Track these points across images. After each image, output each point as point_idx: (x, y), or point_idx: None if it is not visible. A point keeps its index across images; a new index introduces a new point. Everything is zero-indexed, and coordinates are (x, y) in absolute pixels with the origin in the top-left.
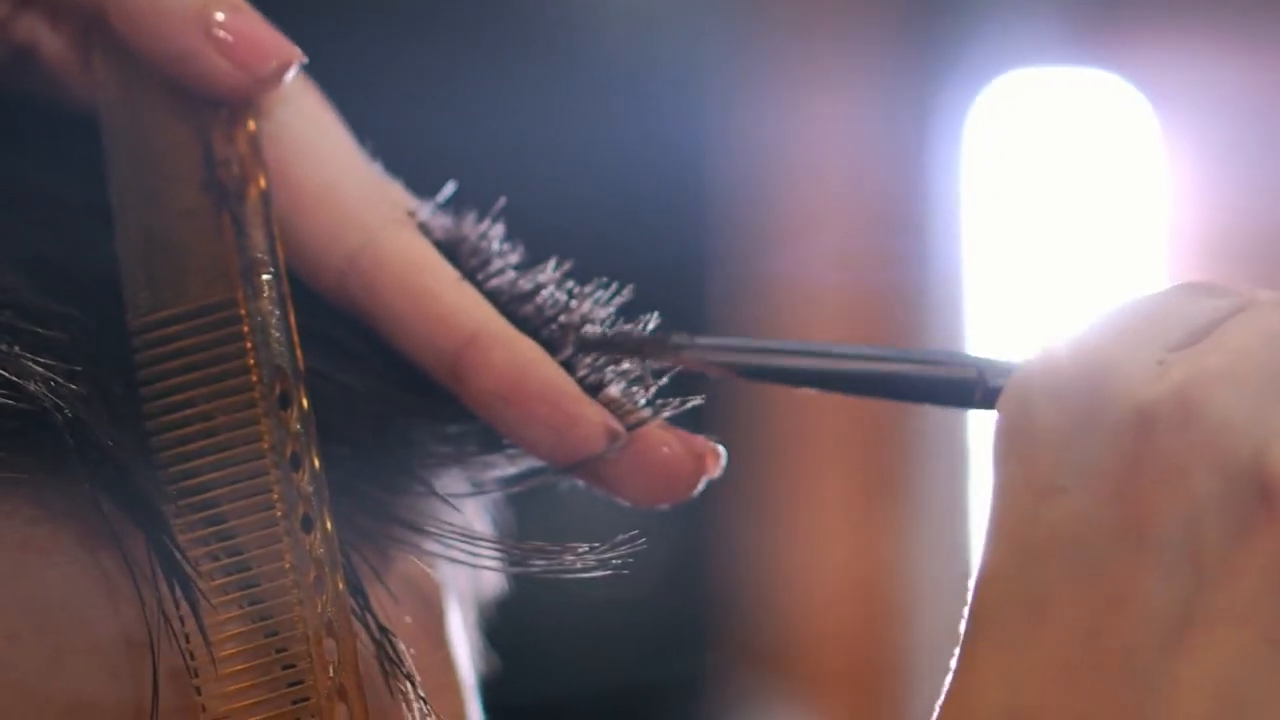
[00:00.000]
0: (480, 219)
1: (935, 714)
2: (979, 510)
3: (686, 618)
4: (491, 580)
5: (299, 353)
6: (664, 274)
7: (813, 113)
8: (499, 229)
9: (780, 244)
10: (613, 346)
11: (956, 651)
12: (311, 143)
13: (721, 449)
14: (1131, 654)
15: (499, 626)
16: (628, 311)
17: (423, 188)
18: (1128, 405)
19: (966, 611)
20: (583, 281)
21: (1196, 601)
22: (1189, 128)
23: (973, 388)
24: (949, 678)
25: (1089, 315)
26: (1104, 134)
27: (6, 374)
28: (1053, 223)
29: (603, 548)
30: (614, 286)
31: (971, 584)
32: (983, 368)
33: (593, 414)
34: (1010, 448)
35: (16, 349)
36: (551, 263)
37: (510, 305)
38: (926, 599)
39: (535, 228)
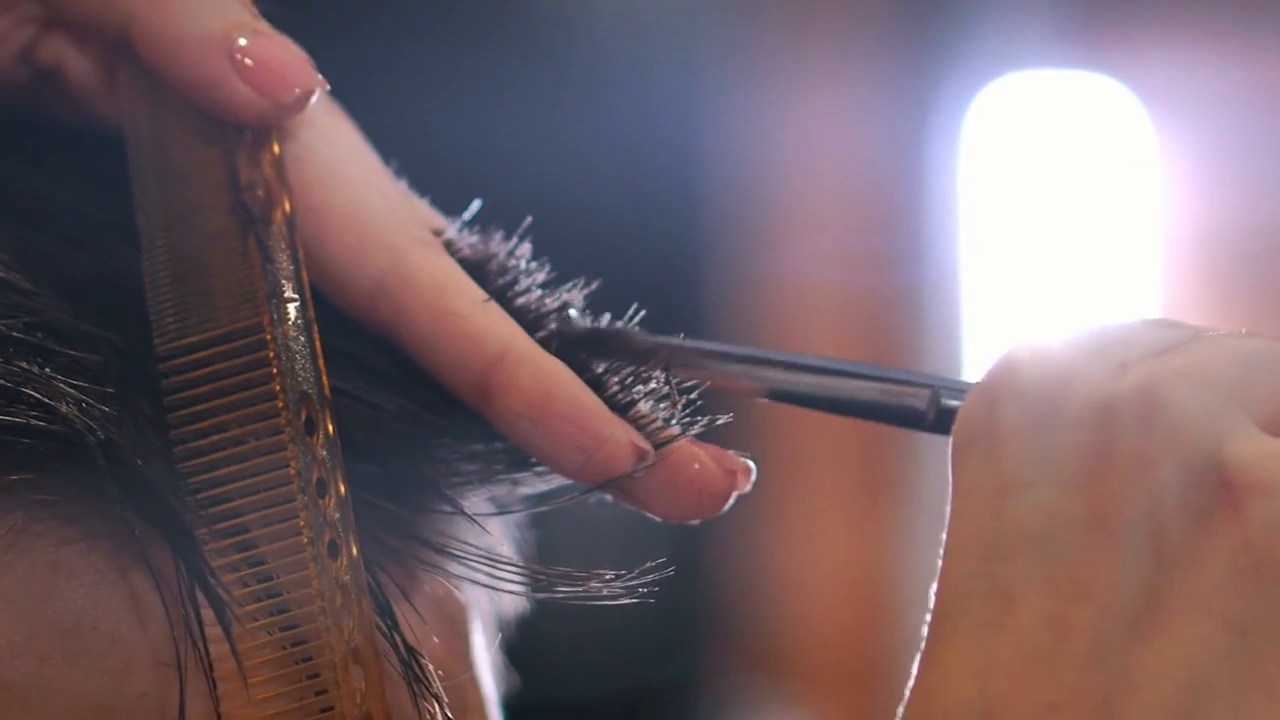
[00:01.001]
0: (505, 237)
1: (901, 712)
2: None
3: (683, 619)
4: (512, 601)
5: (324, 378)
6: (660, 274)
7: (810, 115)
8: (526, 247)
9: (777, 245)
10: (586, 342)
11: (920, 650)
12: (337, 164)
13: (752, 464)
14: (1098, 642)
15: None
16: (628, 316)
17: (439, 203)
18: (1091, 401)
19: (931, 610)
20: (569, 280)
21: (1161, 589)
22: (1183, 130)
23: (924, 413)
24: (914, 675)
25: (1053, 330)
26: (1099, 136)
27: (39, 395)
28: (1048, 224)
29: (629, 575)
30: (623, 300)
31: (935, 585)
32: (937, 389)
33: (620, 434)
34: (973, 447)
35: (48, 371)
36: (578, 282)
37: (537, 324)
38: (922, 600)
39: (530, 229)
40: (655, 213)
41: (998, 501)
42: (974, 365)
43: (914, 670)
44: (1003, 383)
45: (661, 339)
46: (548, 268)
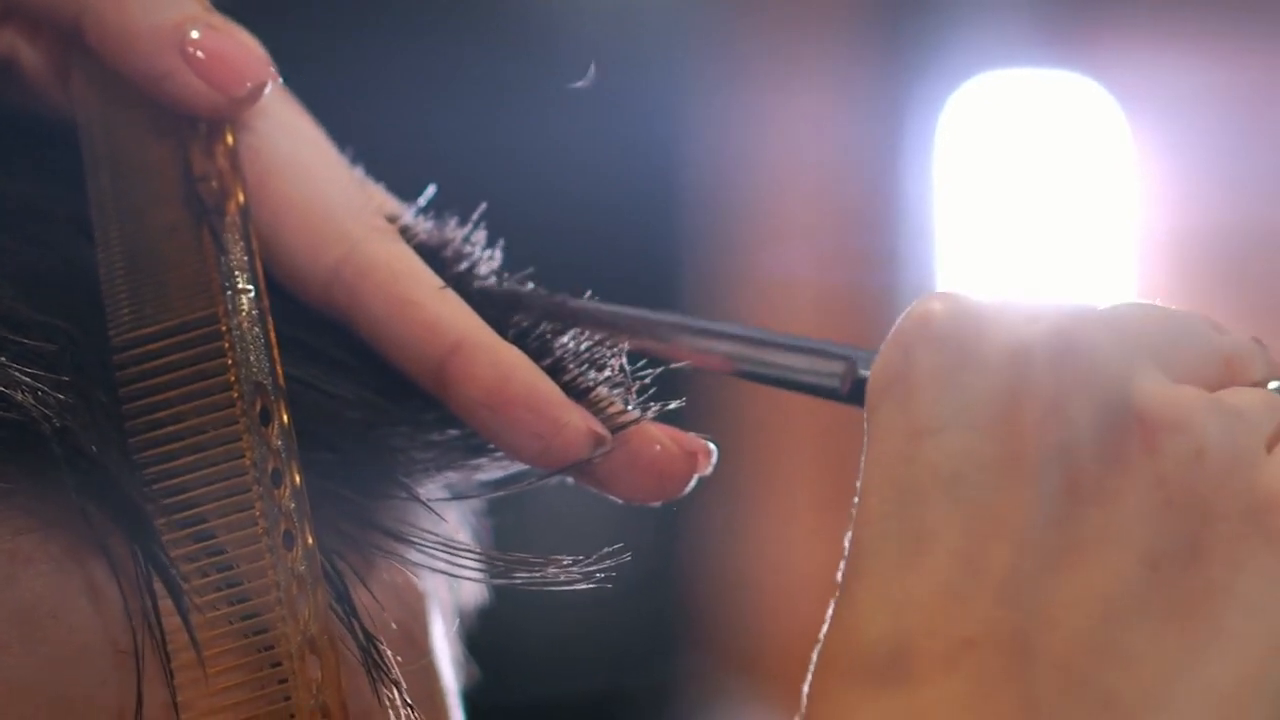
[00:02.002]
0: (461, 222)
1: (815, 655)
2: None
3: (660, 620)
4: (472, 590)
5: (279, 368)
6: (637, 274)
7: (786, 115)
8: (481, 234)
9: (753, 245)
10: (499, 301)
11: (835, 596)
12: (292, 154)
13: (712, 446)
14: (1012, 577)
15: (471, 630)
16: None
17: (395, 188)
18: (1005, 344)
19: (845, 557)
20: (555, 283)
21: (1075, 526)
22: (1159, 129)
23: (838, 387)
24: (828, 617)
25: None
26: (1074, 135)
27: None
28: (1024, 223)
29: (586, 560)
30: (589, 287)
31: (849, 532)
32: (854, 360)
33: (577, 420)
34: (887, 394)
35: (3, 359)
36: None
37: (493, 311)
38: None
39: (509, 228)
40: (633, 212)
41: (911, 445)
42: None
43: (828, 613)
44: (917, 330)
45: (573, 300)
46: (503, 252)
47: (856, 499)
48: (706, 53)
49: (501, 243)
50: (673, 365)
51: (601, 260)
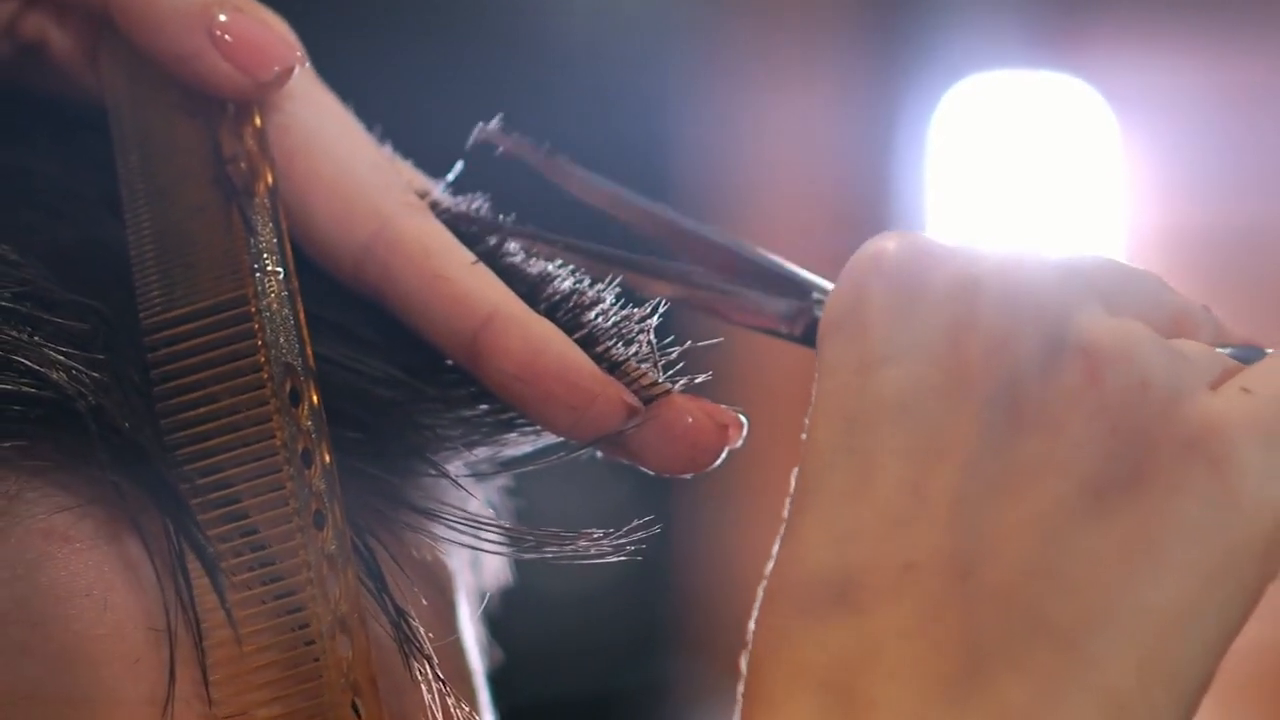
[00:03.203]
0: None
1: (761, 588)
2: None
3: (651, 620)
4: (494, 572)
5: (308, 349)
6: None
7: (778, 116)
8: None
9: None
10: (470, 221)
11: (781, 530)
12: (322, 132)
13: (744, 419)
14: (956, 503)
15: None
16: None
17: None
18: (954, 279)
19: (792, 490)
20: None
21: (1019, 453)
22: (1148, 130)
23: (795, 315)
24: (775, 551)
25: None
26: (1065, 136)
27: (29, 363)
28: (1015, 223)
29: (617, 533)
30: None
31: (797, 466)
32: (810, 303)
33: (611, 391)
34: (838, 329)
35: (37, 339)
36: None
37: (524, 286)
38: None
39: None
40: None
41: (860, 377)
42: None
43: (776, 544)
44: (868, 267)
45: (527, 227)
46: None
47: (805, 433)
48: (699, 53)
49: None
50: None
51: None
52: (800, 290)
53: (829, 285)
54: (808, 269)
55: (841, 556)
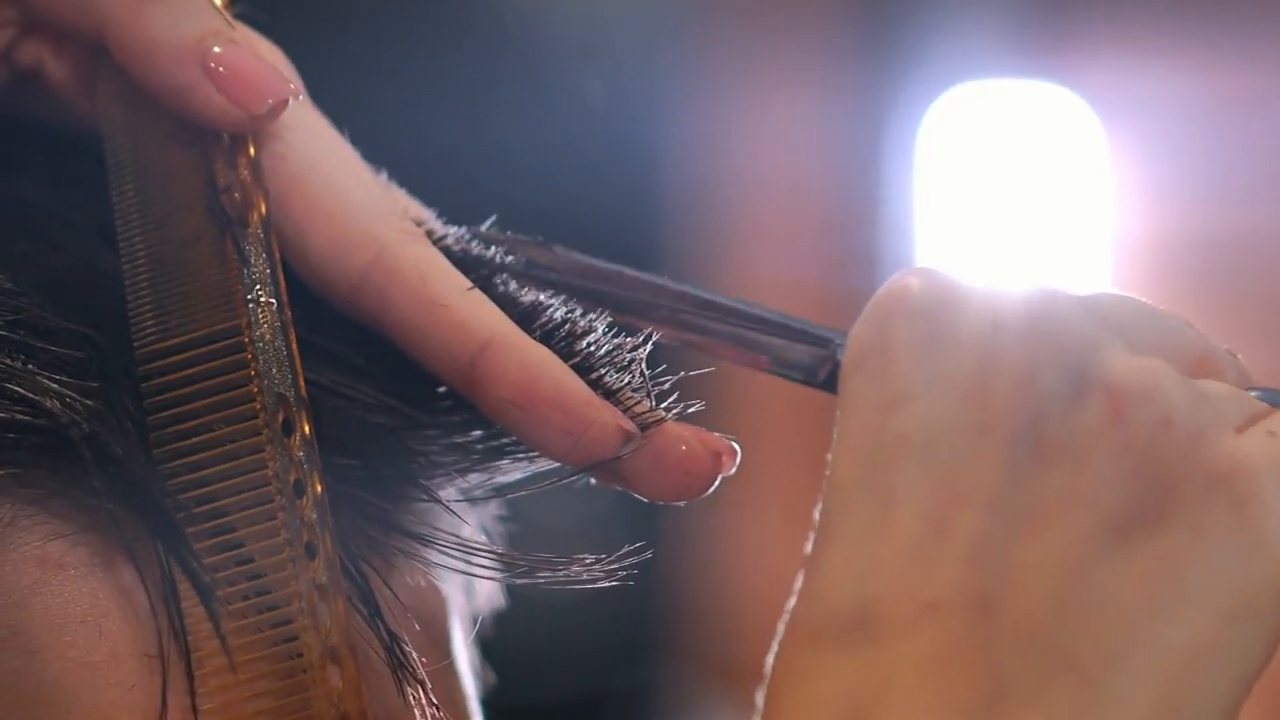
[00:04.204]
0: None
1: (781, 623)
2: None
3: (638, 626)
4: (487, 596)
5: (301, 380)
6: None
7: (767, 123)
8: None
9: (733, 253)
10: (497, 243)
11: (805, 565)
12: (319, 160)
13: (737, 446)
14: (978, 541)
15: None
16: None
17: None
18: (979, 315)
19: (815, 526)
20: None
21: (1042, 489)
22: (1135, 139)
23: (815, 370)
24: (796, 587)
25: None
26: (1052, 145)
27: (23, 391)
28: (1003, 232)
29: (608, 558)
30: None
31: (819, 503)
32: (836, 347)
33: (606, 416)
34: (862, 365)
35: (31, 367)
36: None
37: (518, 311)
38: None
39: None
40: (613, 217)
41: (883, 414)
42: None
43: (798, 580)
44: (891, 304)
45: (562, 252)
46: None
47: (827, 469)
48: (689, 61)
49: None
50: (654, 339)
51: None
52: (821, 340)
53: (847, 334)
54: (796, 275)
55: (861, 591)
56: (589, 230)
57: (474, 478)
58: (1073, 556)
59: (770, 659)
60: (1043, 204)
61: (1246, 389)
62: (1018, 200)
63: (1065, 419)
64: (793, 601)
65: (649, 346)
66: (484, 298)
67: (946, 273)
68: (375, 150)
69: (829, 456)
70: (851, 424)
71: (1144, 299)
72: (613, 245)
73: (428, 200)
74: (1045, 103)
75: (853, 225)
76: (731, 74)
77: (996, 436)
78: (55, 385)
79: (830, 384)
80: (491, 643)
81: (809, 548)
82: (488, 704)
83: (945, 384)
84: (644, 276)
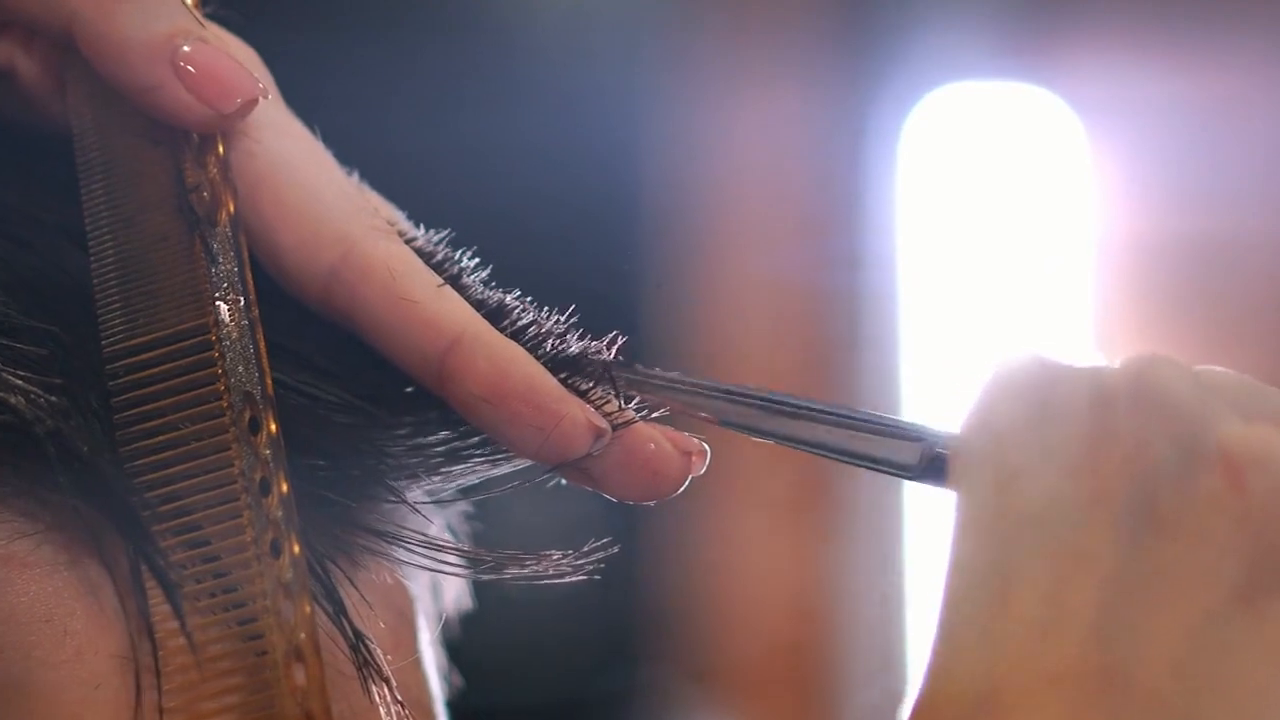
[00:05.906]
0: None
1: (915, 695)
2: (909, 522)
3: (618, 629)
4: (454, 596)
5: (268, 378)
6: (597, 278)
7: (749, 123)
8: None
9: (714, 252)
10: (576, 367)
11: (930, 644)
12: (289, 158)
13: (707, 447)
14: (1101, 614)
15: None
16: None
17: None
18: (1086, 390)
19: (939, 606)
20: (513, 285)
21: (1160, 560)
22: (1116, 141)
23: (913, 465)
24: (925, 665)
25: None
26: (1034, 147)
27: None
28: (985, 234)
29: (577, 554)
30: (560, 303)
31: (941, 584)
32: (929, 443)
33: (576, 412)
34: (974, 450)
35: None
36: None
37: (486, 311)
38: (857, 611)
39: (467, 229)
40: (593, 217)
41: (999, 492)
42: (909, 373)
43: (927, 657)
44: (998, 389)
45: (640, 371)
46: (485, 269)
47: (948, 553)
48: (671, 62)
49: (478, 259)
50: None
51: (561, 263)
52: (917, 434)
53: (934, 428)
54: (777, 275)
55: (987, 668)
56: (569, 229)
57: (441, 478)
58: (1200, 626)
59: None
60: (1025, 205)
61: None
62: (1000, 201)
63: (1179, 489)
64: (921, 683)
65: (615, 349)
66: (454, 294)
67: (1045, 353)
68: (349, 149)
69: (949, 538)
70: (968, 504)
71: (1122, 311)
72: (594, 245)
73: (403, 200)
74: (1027, 104)
75: (835, 226)
76: (714, 74)
77: (1110, 510)
78: (20, 382)
79: (928, 475)
80: (471, 646)
81: (934, 628)
82: (467, 708)
83: (1055, 460)
84: (734, 388)
